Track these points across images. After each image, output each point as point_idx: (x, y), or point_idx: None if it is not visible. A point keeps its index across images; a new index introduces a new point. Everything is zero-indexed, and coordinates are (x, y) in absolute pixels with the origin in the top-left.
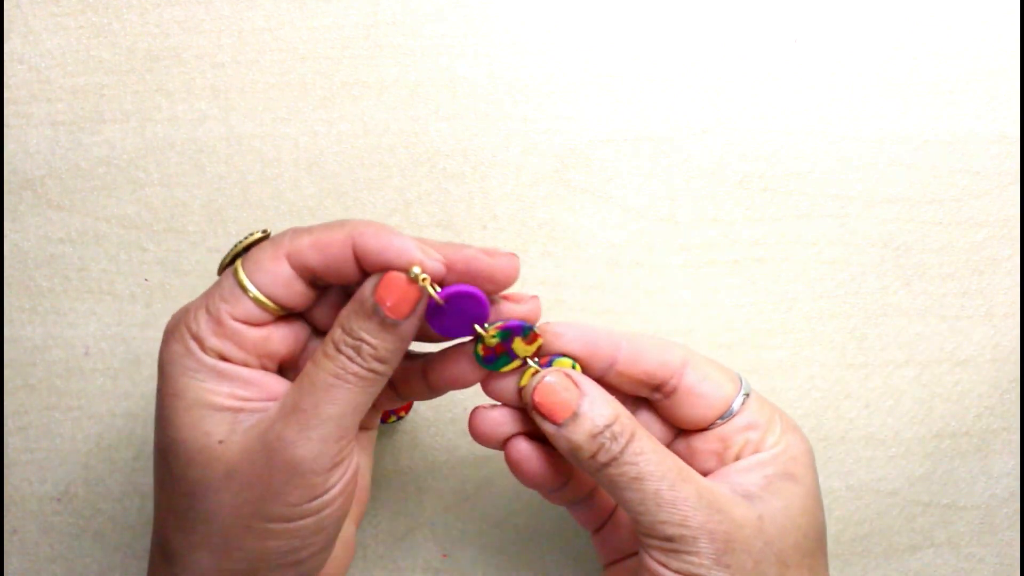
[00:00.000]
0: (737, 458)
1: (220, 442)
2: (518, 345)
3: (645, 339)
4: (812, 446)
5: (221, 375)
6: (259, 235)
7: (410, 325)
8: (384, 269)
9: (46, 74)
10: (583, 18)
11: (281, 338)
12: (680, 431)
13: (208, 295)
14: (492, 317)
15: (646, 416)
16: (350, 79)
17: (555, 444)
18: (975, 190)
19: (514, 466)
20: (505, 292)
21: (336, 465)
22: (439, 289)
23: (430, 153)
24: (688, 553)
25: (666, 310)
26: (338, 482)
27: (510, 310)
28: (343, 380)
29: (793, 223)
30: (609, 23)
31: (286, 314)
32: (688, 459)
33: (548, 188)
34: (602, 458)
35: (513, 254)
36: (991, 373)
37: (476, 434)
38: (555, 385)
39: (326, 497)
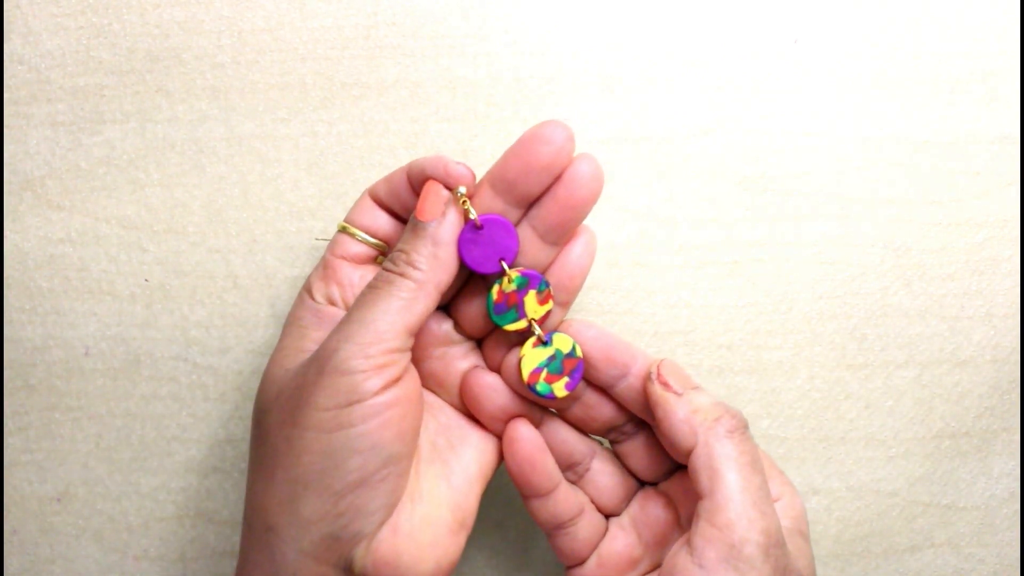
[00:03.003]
0: None
1: (286, 370)
2: (530, 301)
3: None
4: (812, 447)
5: (320, 318)
6: None
7: (442, 231)
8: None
9: (46, 74)
10: (583, 18)
11: None
12: (677, 466)
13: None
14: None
15: (642, 441)
16: (350, 79)
17: (667, 414)
18: (975, 190)
19: (510, 444)
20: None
21: (373, 370)
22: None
23: (430, 153)
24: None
25: (666, 310)
26: (377, 392)
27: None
28: (377, 288)
29: (793, 223)
30: (609, 23)
31: (383, 253)
32: (679, 497)
33: None
34: (726, 425)
35: (551, 141)
36: (991, 373)
37: (468, 396)
38: (677, 365)
39: (362, 407)
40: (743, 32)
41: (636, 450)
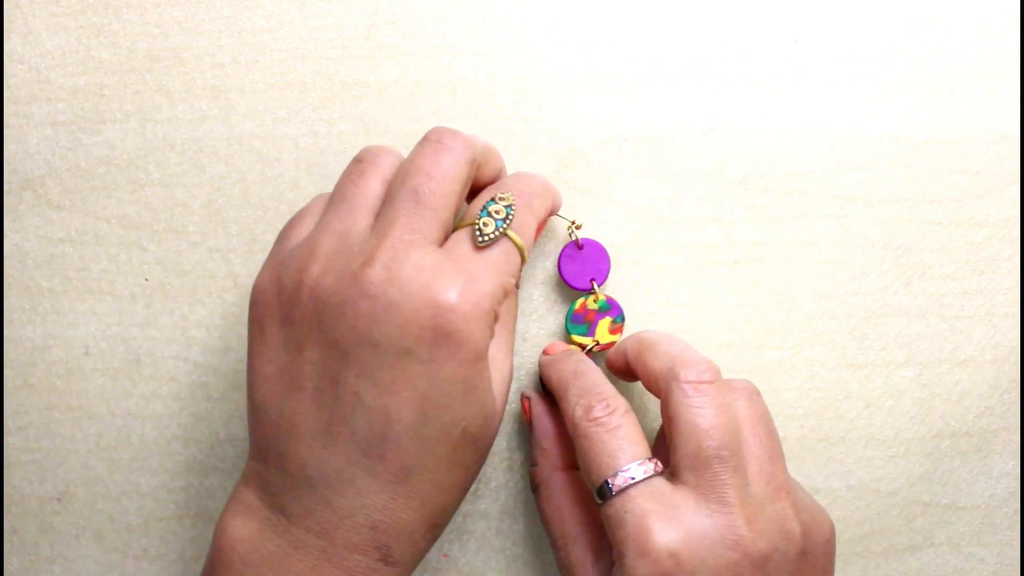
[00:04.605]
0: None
1: (492, 400)
2: (603, 325)
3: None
4: (812, 446)
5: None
6: (511, 199)
7: None
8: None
9: (46, 74)
10: (583, 18)
11: None
12: None
13: (495, 271)
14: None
15: None
16: (350, 79)
17: None
18: (975, 190)
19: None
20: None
21: None
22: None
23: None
24: None
25: (666, 310)
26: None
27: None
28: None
29: (793, 223)
30: (609, 23)
31: None
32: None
33: None
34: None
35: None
36: (991, 373)
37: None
38: (530, 400)
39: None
40: (743, 32)
41: None
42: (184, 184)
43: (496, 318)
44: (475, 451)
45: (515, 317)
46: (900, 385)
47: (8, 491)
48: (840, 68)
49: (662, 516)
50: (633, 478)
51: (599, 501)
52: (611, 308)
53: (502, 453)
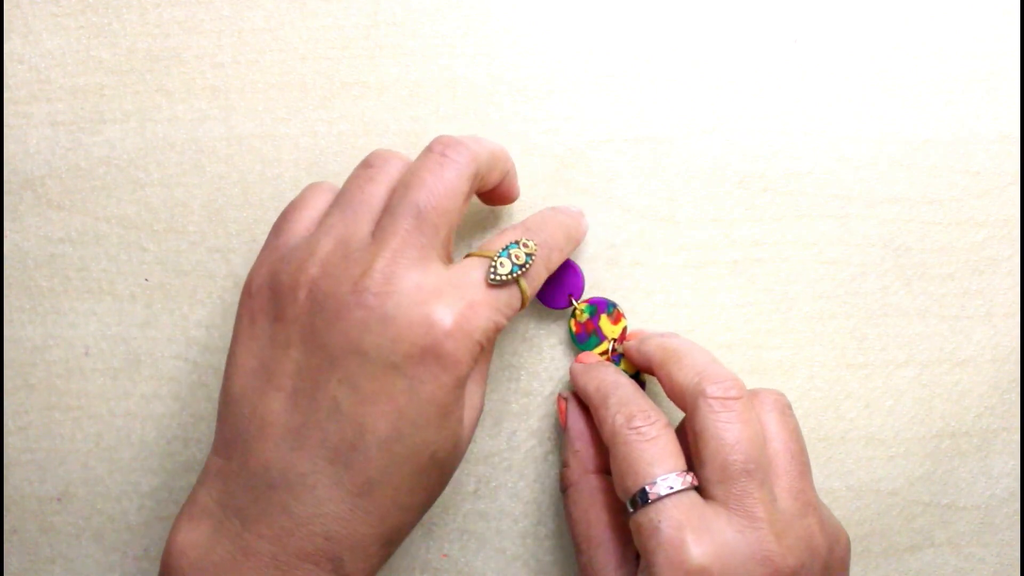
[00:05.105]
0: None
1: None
2: (605, 323)
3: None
4: (812, 446)
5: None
6: (534, 248)
7: None
8: None
9: (46, 74)
10: (583, 18)
11: None
12: None
13: (495, 308)
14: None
15: None
16: (350, 79)
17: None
18: (975, 190)
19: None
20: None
21: None
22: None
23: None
24: None
25: (666, 310)
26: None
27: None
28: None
29: (793, 223)
30: (609, 23)
31: None
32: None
33: (548, 188)
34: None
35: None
36: (991, 373)
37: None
38: (562, 403)
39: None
40: (743, 32)
41: None
42: (184, 184)
43: (481, 350)
44: (440, 475)
45: (490, 353)
46: (900, 385)
47: (8, 491)
48: (840, 68)
49: (696, 529)
50: (672, 487)
51: (631, 509)
52: (598, 306)
53: (502, 453)
